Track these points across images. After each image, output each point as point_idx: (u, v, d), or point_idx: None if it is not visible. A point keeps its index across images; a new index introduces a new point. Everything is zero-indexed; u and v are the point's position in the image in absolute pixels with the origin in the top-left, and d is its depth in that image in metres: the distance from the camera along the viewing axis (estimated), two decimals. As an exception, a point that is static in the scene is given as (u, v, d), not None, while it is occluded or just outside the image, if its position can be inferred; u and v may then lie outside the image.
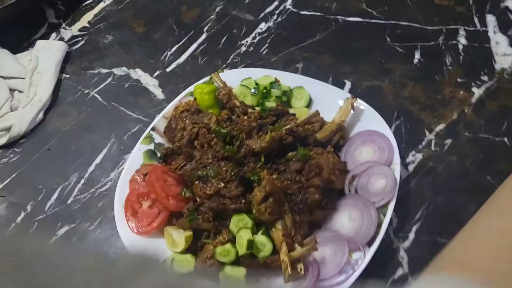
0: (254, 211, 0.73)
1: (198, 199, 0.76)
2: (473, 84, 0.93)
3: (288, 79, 0.93)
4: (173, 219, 0.79)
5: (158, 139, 0.90)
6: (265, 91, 0.91)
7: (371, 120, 0.86)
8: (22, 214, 0.88)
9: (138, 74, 1.05)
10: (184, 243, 0.75)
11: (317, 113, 0.83)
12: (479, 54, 0.98)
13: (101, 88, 1.04)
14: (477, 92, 0.92)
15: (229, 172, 0.76)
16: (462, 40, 1.00)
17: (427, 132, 0.88)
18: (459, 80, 0.94)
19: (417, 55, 0.99)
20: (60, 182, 0.92)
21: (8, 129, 0.97)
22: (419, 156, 0.85)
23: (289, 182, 0.76)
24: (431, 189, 0.81)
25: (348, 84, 0.97)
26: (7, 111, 1.00)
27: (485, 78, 0.94)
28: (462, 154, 0.85)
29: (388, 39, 1.02)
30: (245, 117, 0.84)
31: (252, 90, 0.91)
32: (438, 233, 0.76)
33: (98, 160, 0.94)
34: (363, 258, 0.71)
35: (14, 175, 0.94)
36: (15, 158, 0.96)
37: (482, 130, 0.87)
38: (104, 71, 1.07)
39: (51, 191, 0.91)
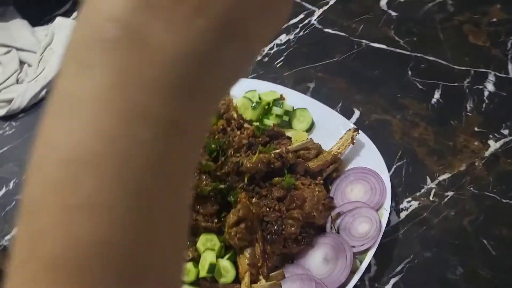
0: (225, 233, 0.70)
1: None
2: (491, 136, 0.87)
3: (294, 98, 0.89)
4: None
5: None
6: (267, 107, 0.87)
7: (370, 157, 0.81)
8: (3, 190, 0.88)
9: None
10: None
11: (311, 141, 0.79)
12: (505, 104, 0.91)
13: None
14: (493, 145, 0.85)
15: (207, 188, 0.73)
16: (490, 86, 0.93)
17: (429, 180, 0.82)
18: (476, 129, 0.88)
19: (437, 95, 0.92)
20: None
21: (9, 101, 0.97)
22: (414, 204, 0.80)
23: (268, 209, 0.73)
24: (419, 242, 0.76)
25: (356, 114, 0.92)
26: (13, 83, 1.00)
27: (505, 131, 0.87)
28: (462, 210, 0.79)
29: (410, 73, 0.96)
30: (238, 132, 0.81)
31: (254, 104, 0.87)
32: (417, 291, 0.71)
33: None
34: (328, 304, 0.67)
35: (4, 149, 0.93)
36: (10, 132, 0.96)
37: (489, 188, 0.81)
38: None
39: (36, 171, 0.90)
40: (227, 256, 0.70)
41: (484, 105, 0.91)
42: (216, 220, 0.72)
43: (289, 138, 0.81)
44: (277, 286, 0.66)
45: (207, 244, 0.70)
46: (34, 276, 0.16)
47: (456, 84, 0.94)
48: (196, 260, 0.70)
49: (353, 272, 0.69)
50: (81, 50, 0.18)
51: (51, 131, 0.19)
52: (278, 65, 1.01)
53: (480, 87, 0.93)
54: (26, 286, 0.16)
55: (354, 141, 0.81)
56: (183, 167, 0.19)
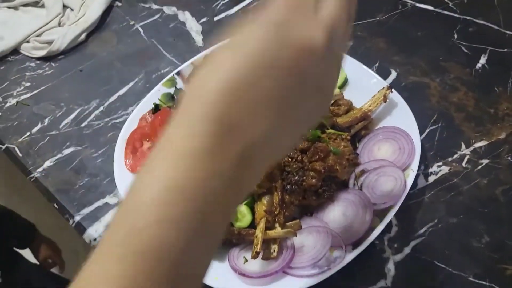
0: (244, 179, 0.70)
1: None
2: (536, 106, 0.81)
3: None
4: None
5: (180, 84, 0.87)
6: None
7: (402, 117, 0.77)
8: (39, 126, 0.91)
9: (185, 17, 1.03)
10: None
11: (341, 96, 0.76)
12: (557, 75, 0.85)
13: (146, 22, 1.03)
14: (538, 116, 0.80)
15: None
16: (542, 55, 0.87)
17: (463, 146, 0.78)
18: (521, 98, 0.82)
19: (483, 60, 0.87)
20: (81, 104, 0.93)
21: (50, 43, 0.99)
22: (445, 169, 0.76)
23: (289, 159, 0.71)
24: (445, 207, 0.73)
25: (393, 75, 0.88)
26: (55, 25, 1.02)
27: (553, 102, 0.81)
28: (496, 179, 0.75)
29: (456, 36, 0.91)
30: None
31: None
32: (437, 256, 0.69)
33: (122, 92, 0.94)
34: (343, 257, 0.65)
35: (43, 88, 0.96)
36: (49, 72, 0.99)
37: (528, 158, 0.76)
38: (154, 7, 1.06)
39: (71, 111, 0.92)
40: (245, 202, 0.70)
41: (533, 74, 0.85)
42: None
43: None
44: (291, 234, 0.66)
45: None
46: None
47: (505, 50, 0.88)
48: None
49: (372, 229, 0.67)
50: (188, 118, 0.28)
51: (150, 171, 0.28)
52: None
53: (531, 55, 0.87)
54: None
55: (387, 99, 0.78)
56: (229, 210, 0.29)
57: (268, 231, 0.66)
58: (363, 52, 0.91)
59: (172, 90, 0.87)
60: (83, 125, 0.90)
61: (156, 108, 0.82)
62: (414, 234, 0.71)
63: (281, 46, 0.29)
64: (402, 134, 0.75)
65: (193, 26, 1.00)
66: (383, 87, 0.79)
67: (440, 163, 0.77)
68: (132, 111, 0.89)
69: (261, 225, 0.66)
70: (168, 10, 1.04)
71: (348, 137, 0.75)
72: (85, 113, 0.91)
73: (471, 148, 0.78)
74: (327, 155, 0.71)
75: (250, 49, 0.29)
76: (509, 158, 0.77)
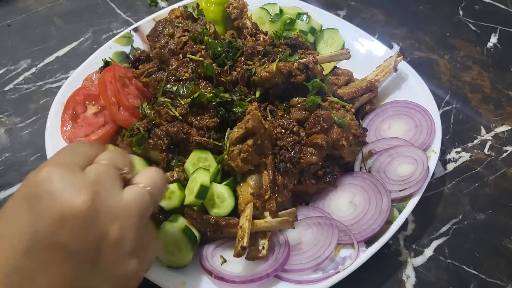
0: (224, 152, 0.52)
1: (155, 119, 0.55)
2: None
3: (322, 19, 0.72)
4: (119, 137, 0.59)
5: (138, 43, 0.70)
6: (288, 21, 0.70)
7: (414, 91, 0.63)
8: None
9: (145, -27, 0.85)
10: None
11: (346, 54, 0.62)
12: None
13: (97, -24, 0.85)
14: (561, 101, 0.69)
15: (206, 96, 0.55)
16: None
17: (483, 130, 0.66)
18: (540, 81, 0.71)
19: (493, 39, 0.76)
20: (6, 64, 0.72)
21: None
22: (465, 156, 0.63)
23: (283, 130, 0.55)
24: (470, 201, 0.59)
25: (395, 49, 0.75)
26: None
27: None
28: (524, 169, 0.62)
29: (461, 13, 0.80)
30: (251, 39, 0.63)
31: (272, 16, 0.70)
32: (466, 260, 0.54)
33: (61, 52, 0.74)
34: (354, 258, 0.49)
35: (-43, 42, 0.75)
36: (-33, 24, 0.78)
37: (557, 147, 0.64)
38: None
39: (-9, 71, 0.71)
40: (225, 182, 0.52)
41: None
42: (215, 136, 0.54)
43: (315, 52, 0.63)
44: (288, 225, 0.49)
45: (199, 164, 0.52)
46: None
47: (516, 30, 0.78)
48: (182, 184, 0.52)
49: (388, 223, 0.51)
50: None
51: None
52: (303, -12, 0.84)
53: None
54: None
55: (397, 68, 0.64)
56: None
57: (256, 221, 0.49)
58: (359, 22, 0.78)
59: (127, 49, 0.69)
60: (7, 88, 0.69)
61: (106, 65, 0.63)
62: (436, 233, 0.56)
63: (36, 222, 0.30)
64: (418, 109, 0.61)
65: (155, -16, 0.83)
66: (391, 56, 0.66)
67: (459, 149, 0.64)
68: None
69: (247, 212, 0.49)
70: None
71: (353, 110, 0.60)
72: (11, 75, 0.71)
73: (492, 133, 0.65)
74: (331, 126, 0.56)
75: (12, 239, 0.31)
76: (535, 146, 0.64)
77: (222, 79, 0.57)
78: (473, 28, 0.76)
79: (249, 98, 0.56)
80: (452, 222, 0.57)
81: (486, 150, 0.63)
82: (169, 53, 0.62)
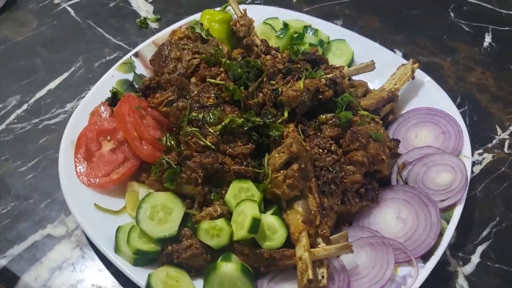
0: (267, 180, 0.49)
1: (185, 151, 0.52)
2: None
3: (327, 30, 0.71)
4: (143, 173, 0.54)
5: (140, 69, 0.66)
6: (296, 35, 0.68)
7: (432, 97, 0.63)
8: None
9: (129, -5, 0.81)
10: (152, 209, 0.50)
11: (372, 64, 0.60)
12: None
13: (77, 1, 0.79)
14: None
15: (237, 121, 0.52)
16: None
17: (499, 129, 0.67)
18: (538, 76, 0.73)
19: (488, 38, 0.78)
20: (-7, 103, 0.66)
21: None
22: (488, 157, 0.64)
23: (320, 150, 0.53)
24: (503, 201, 0.59)
25: (398, 55, 0.75)
26: None
27: None
28: (545, 164, 0.63)
29: (452, 14, 0.82)
30: (268, 57, 0.61)
31: (279, 32, 0.68)
32: (513, 261, 0.54)
33: (53, 84, 0.69)
34: (415, 276, 0.48)
35: None
36: None
37: None
38: (85, -17, 0.82)
39: (-23, 111, 0.65)
40: (269, 212, 0.49)
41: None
42: (253, 163, 0.51)
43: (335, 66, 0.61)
44: (348, 250, 0.47)
45: (241, 194, 0.49)
46: None
47: (507, 28, 0.80)
48: (226, 218, 0.48)
49: (440, 235, 0.50)
50: None
51: None
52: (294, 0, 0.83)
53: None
54: None
55: (414, 75, 0.64)
56: None
57: (313, 250, 0.47)
58: (357, 31, 0.77)
59: (130, 76, 0.64)
60: (-1, 129, 0.63)
61: (114, 97, 0.59)
62: (478, 238, 0.56)
63: None
64: (441, 115, 0.61)
65: (141, 5, 0.80)
66: (404, 64, 0.65)
67: (481, 150, 0.64)
68: (73, 108, 0.65)
69: (304, 241, 0.46)
70: (105, -13, 0.82)
71: (380, 121, 0.59)
72: (0, 114, 0.64)
73: (508, 132, 0.67)
74: (368, 142, 0.54)
75: None
76: (548, 141, 0.66)
77: (249, 101, 0.54)
78: (467, 29, 0.78)
79: (280, 120, 0.54)
80: (491, 225, 0.57)
81: (506, 149, 0.64)
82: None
